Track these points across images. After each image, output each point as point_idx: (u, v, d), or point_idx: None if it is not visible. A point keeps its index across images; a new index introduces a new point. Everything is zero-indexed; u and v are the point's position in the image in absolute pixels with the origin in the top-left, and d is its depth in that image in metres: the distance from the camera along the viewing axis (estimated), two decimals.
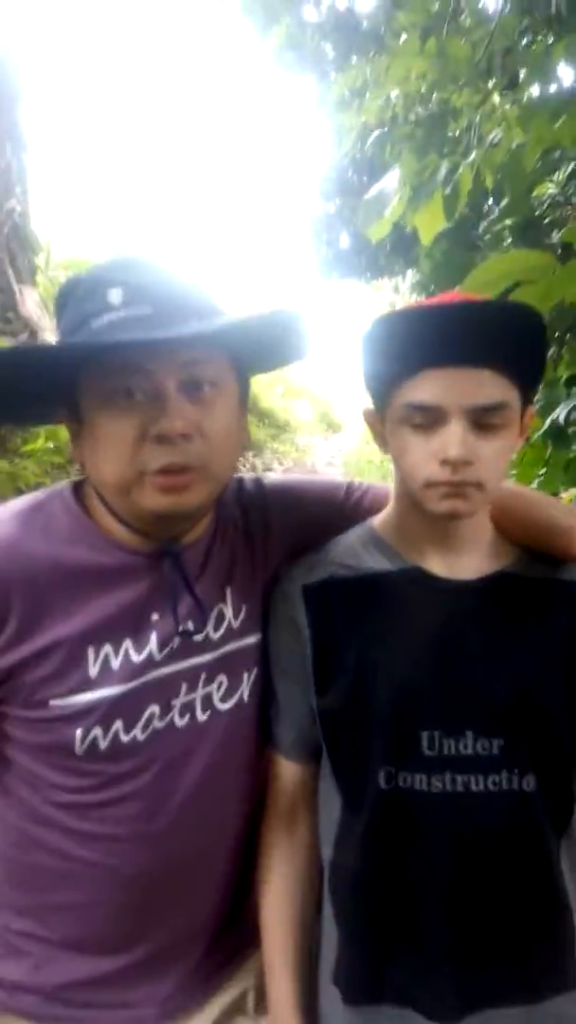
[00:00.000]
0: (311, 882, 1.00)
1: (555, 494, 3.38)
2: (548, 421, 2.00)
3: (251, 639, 0.97)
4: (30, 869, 0.93)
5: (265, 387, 11.86)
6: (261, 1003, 1.02)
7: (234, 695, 0.95)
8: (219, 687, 0.94)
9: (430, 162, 2.44)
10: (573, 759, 0.94)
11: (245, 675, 0.96)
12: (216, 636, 0.94)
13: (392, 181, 2.56)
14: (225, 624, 0.96)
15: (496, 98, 3.21)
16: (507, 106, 3.09)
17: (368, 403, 0.96)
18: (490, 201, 2.24)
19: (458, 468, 0.84)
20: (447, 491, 0.86)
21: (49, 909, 0.94)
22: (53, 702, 0.86)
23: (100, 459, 0.85)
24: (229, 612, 0.97)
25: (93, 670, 0.87)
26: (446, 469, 0.84)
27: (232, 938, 1.03)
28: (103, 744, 0.87)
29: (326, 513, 1.05)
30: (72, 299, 0.86)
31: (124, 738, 0.88)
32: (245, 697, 0.96)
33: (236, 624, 0.96)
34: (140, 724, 0.89)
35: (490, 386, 0.85)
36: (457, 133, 3.24)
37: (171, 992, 0.96)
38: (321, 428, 13.07)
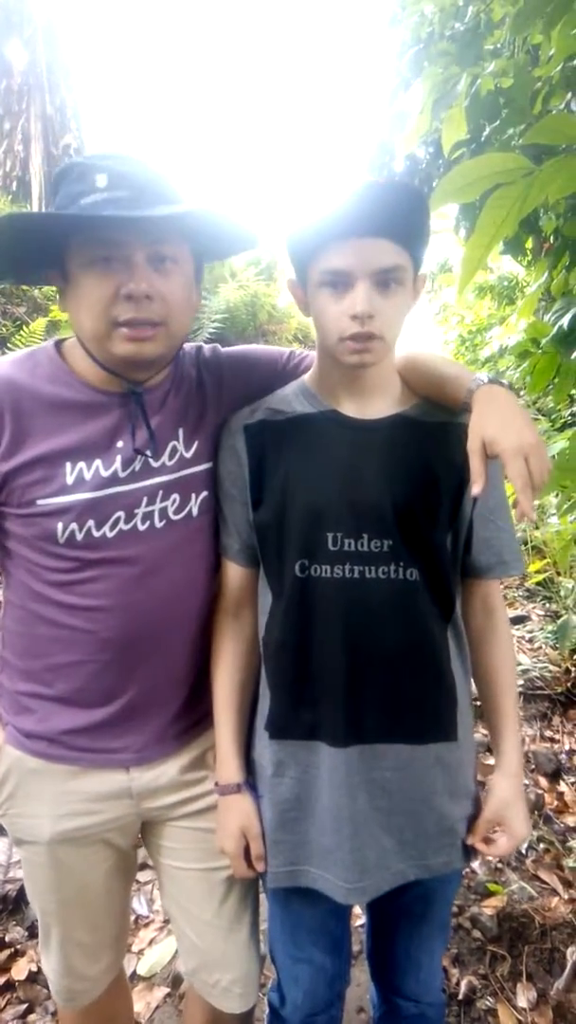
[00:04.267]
0: (251, 656, 1.30)
1: (569, 401, 3.42)
2: (555, 327, 2.08)
3: (199, 467, 1.25)
4: (33, 639, 1.22)
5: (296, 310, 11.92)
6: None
7: (184, 509, 1.23)
8: (173, 503, 1.21)
9: (452, 73, 2.48)
10: (451, 560, 1.22)
11: (193, 495, 1.24)
12: (170, 463, 1.22)
13: (416, 95, 2.60)
14: (178, 455, 1.23)
15: None
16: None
17: (292, 276, 1.20)
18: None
19: (364, 321, 1.07)
20: (355, 345, 1.10)
21: (47, 670, 1.22)
22: (39, 501, 1.14)
23: (82, 313, 1.11)
24: (181, 446, 1.24)
25: (69, 479, 1.14)
26: (355, 323, 1.08)
27: (198, 709, 1.31)
28: (79, 536, 1.15)
29: (269, 374, 1.34)
30: (65, 181, 1.10)
31: (95, 533, 1.15)
32: (194, 512, 1.24)
33: (188, 455, 1.24)
34: (108, 524, 1.16)
35: (388, 252, 1.08)
36: (497, 46, 3.19)
37: (146, 742, 1.25)
38: None
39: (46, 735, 1.23)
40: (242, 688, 1.30)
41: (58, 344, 1.24)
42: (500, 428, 1.03)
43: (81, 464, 1.15)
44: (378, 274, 1.08)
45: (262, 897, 1.41)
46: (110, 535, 1.17)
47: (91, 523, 1.15)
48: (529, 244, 2.85)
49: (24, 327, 5.82)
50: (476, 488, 1.03)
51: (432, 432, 1.19)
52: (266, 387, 1.30)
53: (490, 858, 2.46)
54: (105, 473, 1.16)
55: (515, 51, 2.88)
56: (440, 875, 1.25)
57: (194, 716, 1.32)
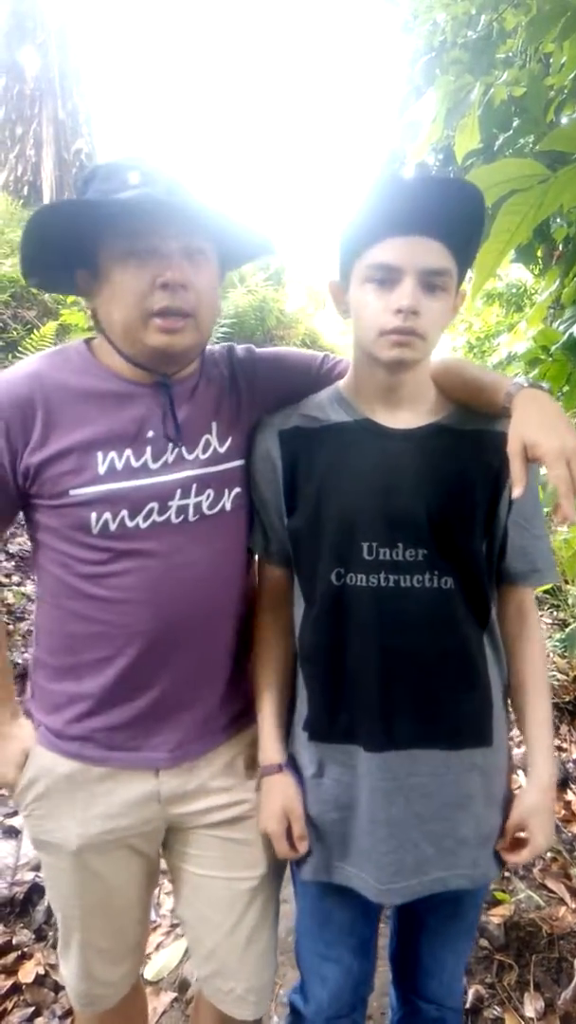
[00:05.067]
0: (290, 652, 1.32)
1: None
2: (565, 335, 2.08)
3: (233, 463, 1.26)
4: (66, 636, 1.22)
5: (326, 325, 11.98)
6: (250, 767, 1.33)
7: (217, 504, 1.23)
8: (207, 497, 1.22)
9: (465, 82, 2.48)
10: (486, 568, 1.22)
11: (227, 491, 1.24)
12: (204, 457, 1.22)
13: (429, 104, 2.60)
14: (211, 449, 1.24)
15: None
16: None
17: (334, 277, 1.21)
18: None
19: (408, 316, 1.08)
20: (397, 339, 1.10)
21: (80, 667, 1.22)
22: (72, 491, 1.15)
23: (115, 304, 1.13)
24: (215, 440, 1.25)
25: (102, 468, 1.15)
26: (398, 317, 1.08)
27: (227, 711, 1.32)
28: (112, 526, 1.15)
29: (303, 377, 1.35)
30: (94, 180, 1.12)
31: (129, 524, 1.16)
32: (227, 507, 1.25)
33: (221, 450, 1.25)
34: (142, 515, 1.16)
35: (438, 254, 1.09)
36: (510, 55, 3.20)
37: (179, 742, 1.25)
38: None
39: (79, 735, 1.23)
40: (283, 674, 1.32)
41: (87, 342, 1.26)
42: (542, 431, 1.03)
43: (112, 454, 1.16)
44: (426, 274, 1.09)
45: (284, 907, 1.41)
46: (143, 526, 1.17)
47: (124, 513, 1.16)
48: (540, 252, 2.86)
49: (35, 331, 5.85)
50: (517, 491, 1.03)
51: (467, 440, 1.19)
52: (299, 391, 1.31)
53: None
54: (136, 463, 1.17)
55: (527, 60, 2.90)
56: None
57: (224, 719, 1.32)
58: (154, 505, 1.17)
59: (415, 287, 1.08)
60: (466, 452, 1.19)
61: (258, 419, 1.30)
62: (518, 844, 1.25)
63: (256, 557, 1.35)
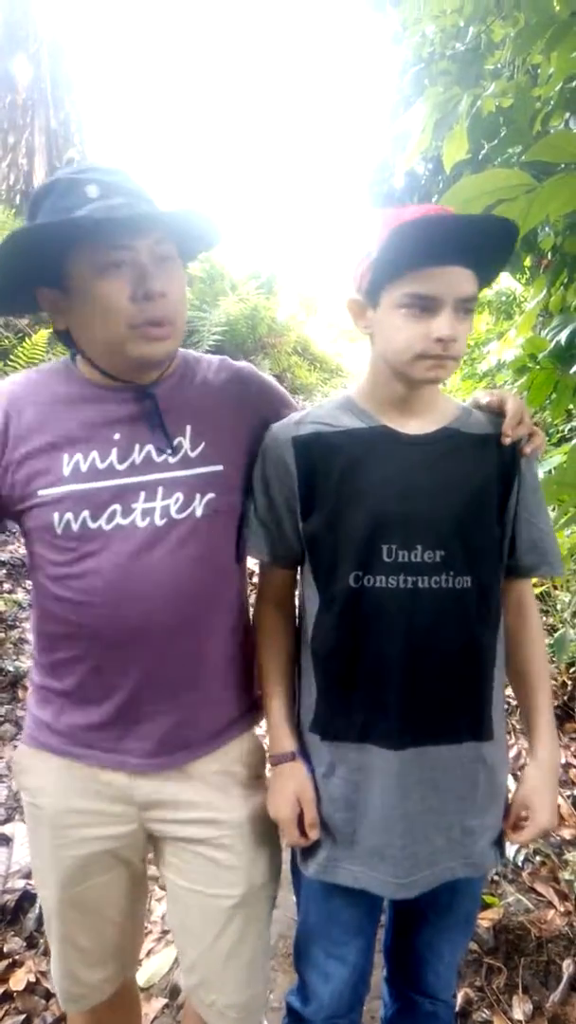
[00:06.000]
0: (293, 646, 1.37)
1: (567, 416, 3.45)
2: (552, 343, 2.11)
3: (206, 469, 1.24)
4: (47, 635, 1.25)
5: (317, 333, 12.04)
6: (232, 785, 1.33)
7: (187, 509, 1.21)
8: (176, 501, 1.21)
9: (454, 93, 2.51)
10: (498, 567, 1.28)
11: (199, 495, 1.22)
12: (173, 461, 1.22)
13: (418, 114, 2.63)
14: (182, 453, 1.23)
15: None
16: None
17: (351, 295, 1.25)
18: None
19: (447, 345, 1.14)
20: (434, 363, 1.17)
21: (57, 665, 1.25)
22: (40, 492, 1.16)
23: (95, 321, 1.13)
24: (187, 444, 1.24)
25: (66, 470, 1.16)
26: (439, 345, 1.14)
27: (208, 724, 1.30)
28: (74, 526, 1.16)
29: (286, 411, 1.38)
30: (50, 196, 1.12)
31: (91, 525, 1.16)
32: (198, 513, 1.22)
33: (192, 454, 1.24)
34: (104, 517, 1.17)
35: (470, 282, 1.15)
36: (498, 66, 3.23)
37: (152, 748, 1.24)
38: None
39: (63, 730, 1.26)
40: (290, 665, 1.36)
41: (74, 356, 1.27)
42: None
43: (78, 455, 1.17)
44: (461, 302, 1.14)
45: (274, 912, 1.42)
46: (107, 528, 1.17)
47: (86, 513, 1.16)
48: (527, 262, 2.89)
49: (27, 339, 5.86)
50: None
51: (477, 445, 1.26)
52: (272, 421, 1.33)
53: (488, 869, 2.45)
54: (101, 464, 1.18)
55: (515, 72, 2.93)
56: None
57: (204, 731, 1.29)
58: (116, 507, 1.17)
59: (452, 315, 1.14)
60: (476, 455, 1.25)
61: (250, 430, 1.31)
62: (519, 825, 1.31)
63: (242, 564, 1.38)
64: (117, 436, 1.19)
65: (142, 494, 1.19)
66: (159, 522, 1.19)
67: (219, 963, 1.31)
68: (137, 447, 1.20)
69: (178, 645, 1.23)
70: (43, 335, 5.65)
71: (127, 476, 1.18)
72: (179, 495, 1.21)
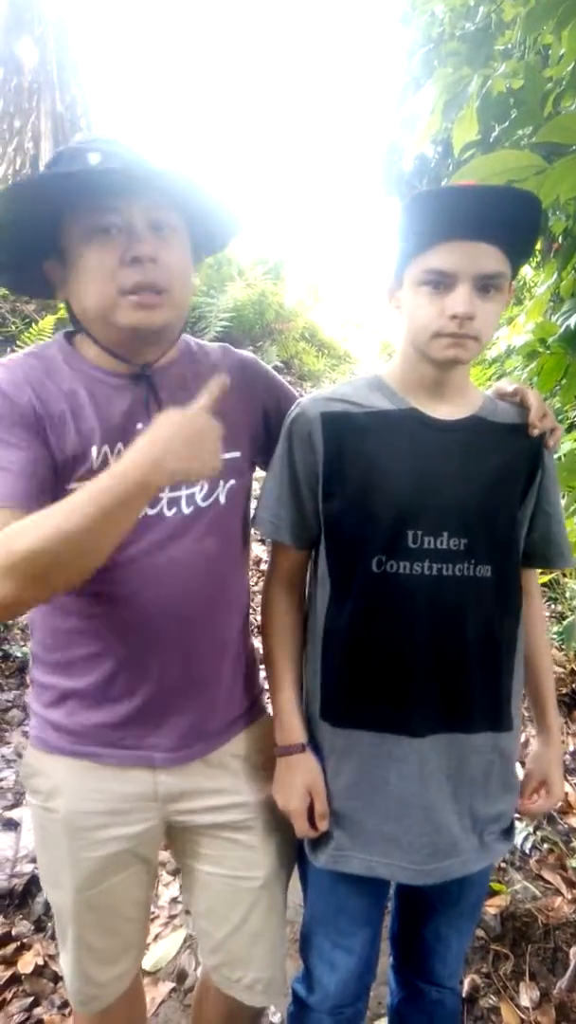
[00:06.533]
0: (302, 625, 1.35)
1: None
2: (563, 328, 2.08)
3: (227, 455, 1.22)
4: (64, 632, 1.21)
5: (326, 319, 11.97)
6: (251, 769, 1.34)
7: (211, 496, 1.22)
8: (200, 488, 1.20)
9: (463, 74, 2.47)
10: (518, 558, 1.28)
11: (221, 482, 1.23)
12: None
13: (427, 96, 2.59)
14: None
15: None
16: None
17: (391, 278, 1.23)
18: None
19: (463, 322, 1.11)
20: (452, 341, 1.13)
21: (73, 663, 1.21)
22: (69, 486, 1.12)
23: (85, 287, 1.10)
24: None
25: (96, 463, 1.13)
26: (454, 322, 1.11)
27: (227, 713, 1.32)
28: None
29: (287, 403, 1.36)
30: (56, 166, 1.10)
31: None
32: (221, 499, 1.23)
33: None
34: None
35: (492, 258, 1.11)
36: (508, 46, 3.18)
37: (177, 742, 1.24)
38: (383, 360, 13.01)
39: (77, 729, 1.23)
40: (298, 650, 1.35)
41: (69, 336, 1.23)
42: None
43: (105, 447, 1.14)
44: (481, 278, 1.11)
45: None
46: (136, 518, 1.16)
47: None
48: (538, 245, 2.85)
49: (33, 324, 5.85)
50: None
51: (505, 434, 1.25)
52: (281, 410, 1.34)
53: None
54: None
55: (525, 52, 2.88)
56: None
57: (223, 720, 1.31)
58: None
59: (469, 292, 1.10)
60: (504, 444, 1.24)
61: (253, 419, 1.33)
62: (533, 799, 1.36)
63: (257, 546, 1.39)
64: (139, 426, 1.15)
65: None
66: (186, 511, 1.20)
67: (246, 943, 1.34)
68: None
69: (206, 633, 1.24)
70: (50, 321, 5.64)
71: None
72: (204, 483, 1.22)
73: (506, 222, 1.09)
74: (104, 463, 1.13)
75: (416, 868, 1.22)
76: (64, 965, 1.37)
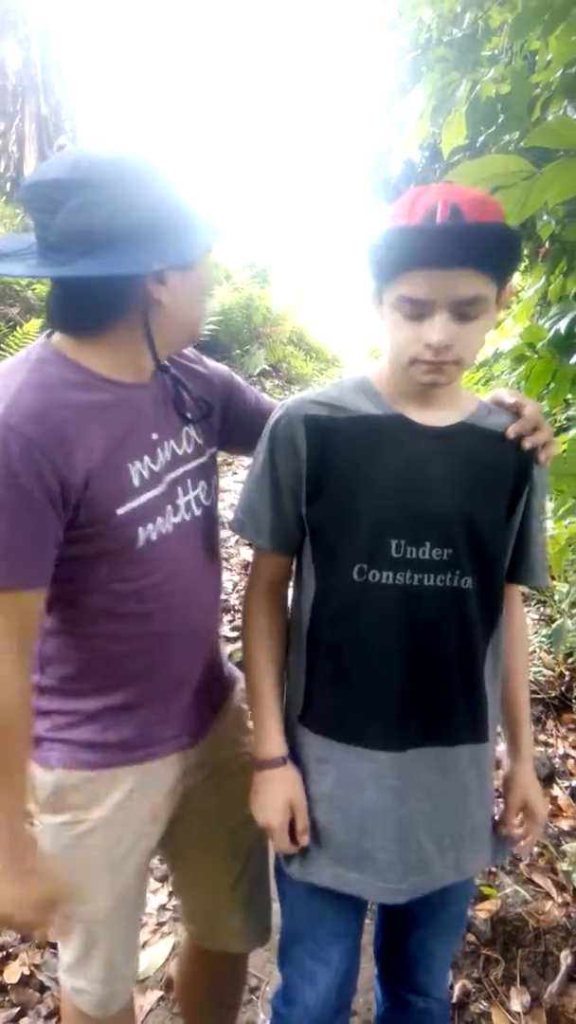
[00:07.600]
0: (282, 635, 1.32)
1: (565, 405, 3.43)
2: (551, 332, 2.08)
3: (207, 456, 1.30)
4: (113, 657, 1.20)
5: (314, 323, 11.99)
6: (244, 719, 1.46)
7: (209, 496, 1.27)
8: (201, 489, 1.25)
9: (451, 79, 2.48)
10: (502, 570, 1.25)
11: (211, 480, 1.29)
12: (190, 451, 1.24)
13: (416, 101, 2.60)
14: (192, 442, 1.26)
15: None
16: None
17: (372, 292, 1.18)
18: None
19: (439, 351, 1.07)
20: (429, 367, 1.10)
21: (104, 687, 1.21)
22: (119, 511, 1.10)
23: (194, 299, 1.19)
24: (193, 433, 1.27)
25: (136, 481, 1.12)
26: (429, 351, 1.07)
27: (219, 682, 1.44)
28: (153, 536, 1.15)
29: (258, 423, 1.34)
30: None
31: (163, 531, 1.16)
32: (213, 498, 1.30)
33: (200, 442, 1.28)
34: (166, 519, 1.17)
35: (468, 283, 1.04)
36: (495, 52, 3.20)
37: (198, 722, 1.35)
38: (371, 363, 13.06)
39: (112, 743, 1.22)
40: (280, 659, 1.32)
41: (47, 345, 1.13)
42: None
43: (138, 464, 1.13)
44: (458, 304, 1.05)
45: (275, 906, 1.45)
46: (169, 530, 1.17)
47: (160, 520, 1.16)
48: (526, 249, 2.86)
49: (17, 328, 5.81)
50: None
51: (494, 443, 1.21)
52: (247, 431, 1.37)
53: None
54: (156, 467, 1.16)
55: (512, 57, 2.90)
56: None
57: (218, 690, 1.42)
58: (169, 507, 1.17)
59: (445, 320, 1.05)
60: (492, 453, 1.21)
61: (221, 422, 1.37)
62: (518, 828, 1.33)
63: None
64: (155, 436, 1.17)
65: (179, 489, 1.20)
66: (197, 512, 1.24)
67: (241, 903, 1.45)
68: (165, 442, 1.19)
69: (212, 622, 1.34)
70: (34, 324, 5.62)
71: (167, 473, 1.18)
72: (202, 482, 1.26)
73: (483, 250, 1.03)
74: (142, 480, 1.13)
75: (388, 886, 1.20)
76: (86, 974, 1.31)
